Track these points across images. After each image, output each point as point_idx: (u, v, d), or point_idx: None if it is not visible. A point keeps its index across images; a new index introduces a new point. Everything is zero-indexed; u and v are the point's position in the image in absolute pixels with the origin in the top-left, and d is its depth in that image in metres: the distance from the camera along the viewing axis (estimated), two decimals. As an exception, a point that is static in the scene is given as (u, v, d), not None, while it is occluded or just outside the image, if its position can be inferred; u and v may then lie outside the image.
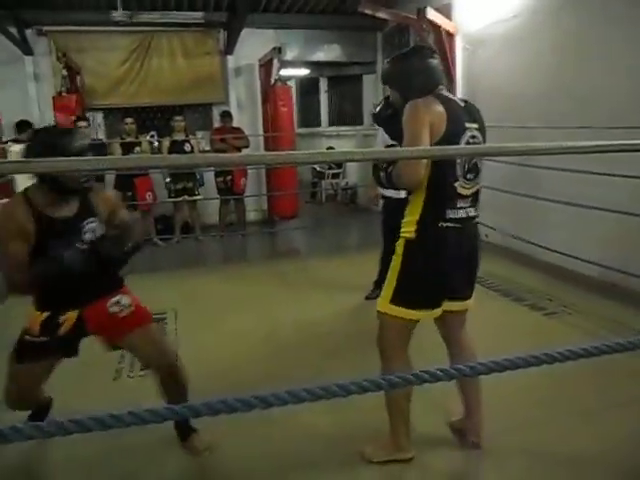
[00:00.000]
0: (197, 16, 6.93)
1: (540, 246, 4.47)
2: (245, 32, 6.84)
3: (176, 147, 6.01)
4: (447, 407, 2.40)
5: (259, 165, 6.37)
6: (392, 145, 2.24)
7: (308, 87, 10.07)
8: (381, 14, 6.13)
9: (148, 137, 6.84)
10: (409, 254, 1.95)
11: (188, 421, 2.22)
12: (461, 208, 1.91)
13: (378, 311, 2.03)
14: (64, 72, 6.21)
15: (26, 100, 6.67)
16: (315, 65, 8.75)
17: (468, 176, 1.91)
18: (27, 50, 6.66)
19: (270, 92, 6.74)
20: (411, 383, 0.89)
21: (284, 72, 7.34)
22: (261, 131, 7.37)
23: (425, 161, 1.81)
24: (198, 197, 6.34)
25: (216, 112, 7.37)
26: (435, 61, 2.04)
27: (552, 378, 2.49)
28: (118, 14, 5.89)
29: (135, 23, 6.48)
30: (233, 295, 4.30)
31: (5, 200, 2.00)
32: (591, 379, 2.58)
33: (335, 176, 9.28)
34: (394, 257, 2.00)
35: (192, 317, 3.82)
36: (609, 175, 3.55)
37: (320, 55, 7.98)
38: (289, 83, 7.59)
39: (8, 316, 3.94)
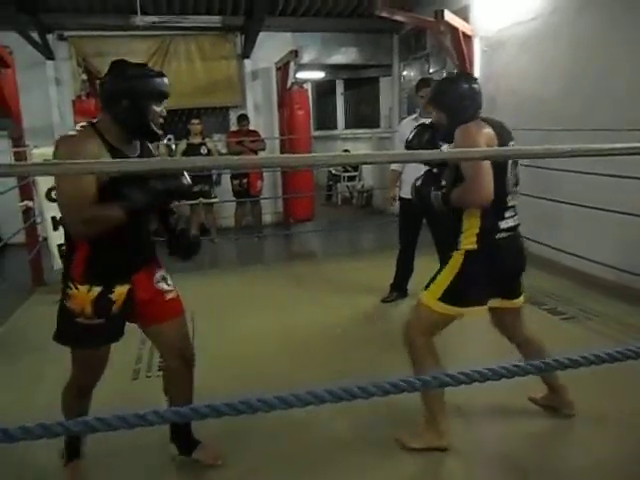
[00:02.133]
0: (215, 20, 7.00)
1: (558, 249, 4.42)
2: (262, 35, 6.88)
3: (193, 150, 6.06)
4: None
5: (278, 168, 6.40)
6: (431, 171, 2.32)
7: (324, 90, 10.09)
8: (398, 17, 6.13)
9: (165, 140, 6.91)
10: (469, 263, 2.07)
11: (191, 433, 2.16)
12: (510, 218, 2.11)
13: (421, 303, 2.14)
14: (84, 76, 6.31)
15: (47, 104, 6.79)
16: (331, 68, 8.77)
17: (514, 189, 2.11)
18: (48, 55, 6.77)
19: (287, 95, 6.77)
20: (444, 384, 0.89)
21: (300, 75, 7.38)
22: (277, 134, 7.41)
23: (492, 176, 1.95)
24: (214, 200, 6.39)
25: (233, 115, 7.43)
26: (478, 87, 2.18)
27: (568, 383, 2.46)
28: (137, 19, 5.97)
29: (154, 27, 6.57)
30: (249, 297, 4.32)
31: (73, 132, 1.76)
32: (607, 384, 2.55)
33: (351, 179, 9.28)
34: (451, 262, 2.12)
35: (208, 319, 3.84)
36: (626, 178, 3.50)
37: (337, 58, 7.99)
38: (305, 86, 7.61)
39: (29, 316, 4.01)
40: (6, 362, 3.19)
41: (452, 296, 2.07)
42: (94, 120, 1.80)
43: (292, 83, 6.69)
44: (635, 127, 3.30)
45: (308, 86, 8.42)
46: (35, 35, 6.41)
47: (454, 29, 5.28)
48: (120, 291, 1.83)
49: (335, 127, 10.29)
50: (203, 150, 6.14)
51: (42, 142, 5.53)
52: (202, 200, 6.26)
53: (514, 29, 5.12)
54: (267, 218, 7.36)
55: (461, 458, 2.16)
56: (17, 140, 4.56)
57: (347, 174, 9.23)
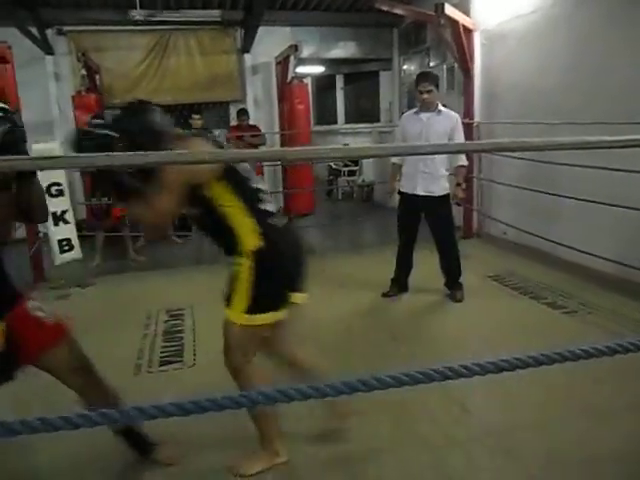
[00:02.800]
0: (214, 14, 6.97)
1: (557, 243, 4.42)
2: (262, 30, 6.87)
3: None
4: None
5: (277, 161, 6.40)
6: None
7: (324, 84, 10.06)
8: (398, 10, 6.11)
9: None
10: (262, 261, 1.88)
11: (145, 436, 2.09)
12: (268, 203, 1.95)
13: (229, 323, 1.95)
14: (83, 71, 6.29)
15: (47, 99, 6.77)
16: (331, 62, 8.75)
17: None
18: (48, 50, 6.75)
19: (287, 90, 6.76)
20: (447, 377, 0.89)
21: (300, 69, 7.36)
22: (277, 129, 7.40)
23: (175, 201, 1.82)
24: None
25: (233, 110, 7.41)
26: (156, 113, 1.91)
27: (567, 377, 2.47)
28: (136, 13, 5.95)
29: (153, 22, 6.55)
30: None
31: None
32: (605, 379, 2.56)
33: (351, 173, 9.27)
34: (241, 270, 1.90)
35: (209, 313, 3.83)
36: (626, 171, 3.50)
37: (336, 52, 7.98)
38: (305, 80, 7.60)
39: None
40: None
41: (259, 304, 1.90)
42: None
43: (292, 77, 6.68)
44: (634, 120, 3.31)
45: (308, 80, 8.39)
46: (34, 30, 6.39)
47: (454, 22, 5.26)
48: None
49: (335, 122, 10.26)
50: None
51: (42, 137, 5.54)
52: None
53: (514, 22, 5.11)
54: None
55: (465, 453, 2.17)
56: (16, 136, 4.54)
57: (347, 169, 9.22)
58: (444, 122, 3.74)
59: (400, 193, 3.95)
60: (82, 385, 1.89)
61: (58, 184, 4.53)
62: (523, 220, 5.00)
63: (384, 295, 4.04)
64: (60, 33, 6.85)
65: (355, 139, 9.24)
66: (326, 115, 10.34)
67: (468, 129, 5.65)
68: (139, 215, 1.92)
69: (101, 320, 3.60)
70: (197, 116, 6.22)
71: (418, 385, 0.91)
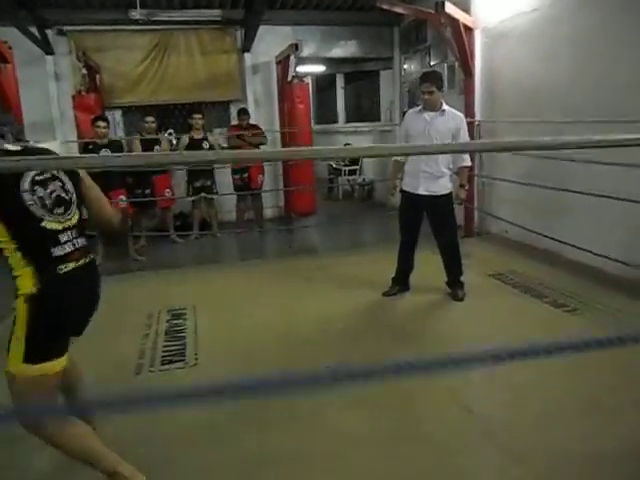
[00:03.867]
0: (214, 14, 6.96)
1: (560, 241, 4.41)
2: (262, 29, 6.85)
3: (195, 145, 6.05)
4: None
5: (279, 162, 6.40)
6: None
7: (325, 83, 10.05)
8: (398, 9, 6.10)
9: (166, 135, 6.90)
10: (36, 309, 1.74)
11: None
12: (68, 242, 1.82)
13: (9, 374, 1.76)
14: (84, 71, 6.28)
15: (47, 99, 6.77)
16: (332, 61, 8.73)
17: (57, 211, 1.80)
18: (48, 50, 6.74)
19: (287, 89, 6.74)
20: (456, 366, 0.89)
21: (301, 69, 7.34)
22: (278, 128, 7.38)
23: None
24: (216, 195, 6.38)
25: (234, 109, 7.40)
26: None
27: (567, 375, 2.47)
28: (136, 13, 5.94)
29: (153, 22, 6.55)
30: (251, 291, 4.32)
31: None
32: (607, 375, 2.56)
33: (352, 172, 9.26)
34: (17, 315, 1.75)
35: (210, 312, 3.85)
36: (629, 166, 3.49)
37: (337, 51, 7.95)
38: (306, 80, 7.58)
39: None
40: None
41: (37, 352, 1.74)
42: None
43: (292, 77, 6.66)
44: (637, 118, 3.29)
45: (308, 80, 8.38)
46: (34, 30, 6.38)
47: (454, 21, 5.25)
48: None
49: (336, 121, 10.25)
50: (205, 145, 6.12)
51: (42, 137, 5.54)
52: (204, 195, 6.25)
53: (515, 20, 5.10)
54: (268, 212, 7.36)
55: (469, 452, 2.17)
56: (17, 135, 4.53)
57: (348, 168, 9.21)
58: (448, 122, 3.70)
59: (402, 192, 3.93)
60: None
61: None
62: (524, 218, 4.99)
63: (385, 294, 4.03)
64: (60, 33, 6.84)
65: (356, 138, 9.24)
66: (327, 114, 10.34)
67: (469, 128, 5.64)
68: None
69: (103, 319, 3.58)
70: (198, 115, 6.21)
71: (419, 382, 0.90)
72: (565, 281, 4.09)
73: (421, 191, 3.77)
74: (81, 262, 1.86)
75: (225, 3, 6.91)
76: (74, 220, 1.87)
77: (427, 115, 3.73)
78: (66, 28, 6.82)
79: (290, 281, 4.52)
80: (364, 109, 9.35)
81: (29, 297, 1.73)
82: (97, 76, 6.78)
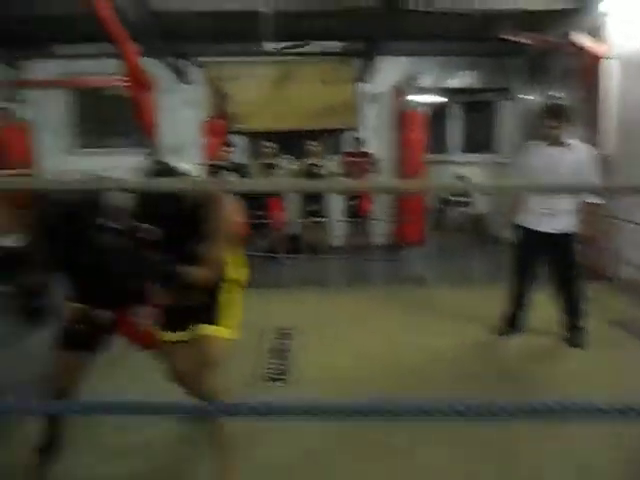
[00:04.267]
0: (336, 46, 7.22)
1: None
2: (380, 60, 6.99)
3: (311, 170, 6.27)
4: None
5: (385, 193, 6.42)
6: None
7: (441, 113, 9.95)
8: (523, 39, 5.94)
9: (285, 161, 7.22)
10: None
11: None
12: None
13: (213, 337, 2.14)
14: (215, 99, 6.78)
15: (180, 124, 7.37)
16: (449, 91, 8.65)
17: None
18: (184, 79, 7.38)
19: (402, 118, 6.79)
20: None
21: (417, 98, 7.36)
22: (392, 157, 7.43)
23: None
24: (326, 219, 6.53)
25: (349, 137, 7.57)
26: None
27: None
28: (267, 46, 6.32)
29: (279, 53, 6.93)
30: (356, 317, 4.33)
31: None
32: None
33: (462, 203, 9.03)
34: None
35: (316, 335, 3.91)
36: None
37: (454, 82, 7.88)
38: (421, 110, 7.58)
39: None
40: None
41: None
42: None
43: (408, 107, 6.70)
44: None
45: (424, 110, 8.37)
46: (175, 61, 7.03)
47: (584, 50, 5.01)
48: (103, 311, 2.14)
49: (450, 151, 10.10)
50: (322, 171, 6.32)
51: (175, 159, 6.03)
52: (315, 219, 6.43)
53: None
54: (378, 240, 7.37)
55: None
56: (154, 156, 5.00)
57: (458, 198, 9.00)
58: (574, 156, 3.47)
59: (520, 227, 3.71)
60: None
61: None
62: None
63: (497, 333, 3.85)
64: (196, 64, 7.47)
65: (471, 169, 9.01)
66: (441, 144, 10.21)
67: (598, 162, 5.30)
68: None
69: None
70: (315, 143, 6.42)
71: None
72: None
73: (542, 228, 3.55)
74: None
75: (346, 35, 7.15)
76: None
77: (552, 150, 3.52)
78: (202, 59, 7.43)
79: (396, 309, 4.48)
80: (480, 140, 9.12)
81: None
82: (226, 104, 7.28)
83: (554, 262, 3.66)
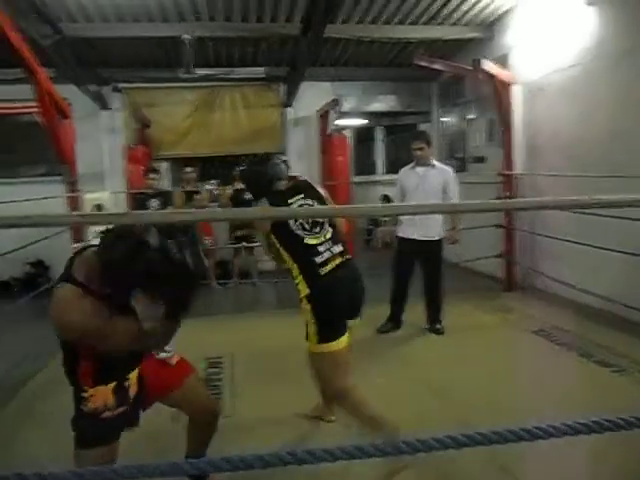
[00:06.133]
0: (259, 71, 7.29)
1: (607, 299, 4.27)
2: (304, 85, 7.12)
3: (238, 196, 6.22)
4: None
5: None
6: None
7: (364, 136, 10.26)
8: (437, 66, 6.25)
9: (207, 186, 7.14)
10: (313, 305, 2.32)
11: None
12: (325, 251, 2.35)
13: (311, 353, 2.39)
14: (135, 125, 6.63)
15: (99, 151, 7.14)
16: (371, 115, 8.96)
17: (314, 230, 2.38)
18: (103, 105, 7.17)
19: (327, 142, 6.93)
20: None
21: (341, 122, 7.55)
22: (319, 179, 7.54)
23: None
24: (257, 244, 6.49)
25: (275, 161, 7.61)
26: (272, 163, 2.59)
27: (623, 445, 2.34)
28: (186, 72, 6.28)
29: (202, 79, 6.90)
30: (289, 340, 4.30)
31: (60, 297, 1.55)
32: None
33: (392, 222, 9.27)
34: (304, 311, 2.36)
35: (249, 362, 3.85)
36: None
37: (376, 105, 8.17)
38: (345, 132, 7.78)
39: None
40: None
41: (325, 335, 2.31)
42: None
43: (332, 130, 6.85)
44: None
45: (348, 133, 8.59)
46: (92, 87, 6.82)
47: (492, 77, 5.35)
48: (132, 375, 1.84)
49: (374, 172, 10.40)
50: (247, 196, 6.28)
51: (93, 188, 5.83)
52: (244, 244, 6.38)
53: (554, 76, 5.15)
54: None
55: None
56: (72, 185, 4.80)
57: (387, 218, 9.24)
58: (438, 176, 4.15)
59: (399, 237, 4.34)
60: (204, 422, 2.12)
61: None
62: (569, 273, 4.88)
63: (379, 331, 4.38)
64: (115, 90, 7.28)
65: (394, 189, 9.30)
66: (366, 166, 10.50)
67: (508, 181, 5.64)
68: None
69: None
70: (240, 168, 6.39)
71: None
72: (614, 340, 3.92)
73: (415, 236, 4.17)
74: (337, 262, 2.36)
75: (269, 61, 7.24)
76: (327, 235, 2.40)
77: (419, 170, 4.20)
78: (121, 85, 7.26)
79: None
80: (402, 161, 9.45)
81: (307, 297, 2.33)
82: (146, 130, 7.14)
83: (425, 263, 4.29)
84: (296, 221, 2.38)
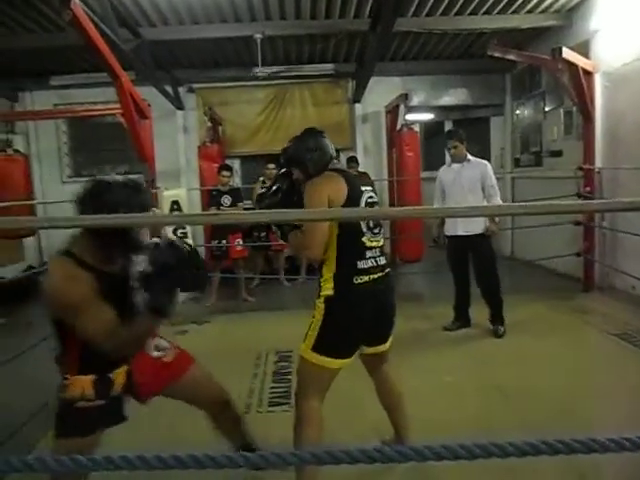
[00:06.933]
0: (327, 68, 7.34)
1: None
2: (372, 80, 7.08)
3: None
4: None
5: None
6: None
7: (433, 131, 10.07)
8: (512, 56, 6.04)
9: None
10: (330, 310, 2.06)
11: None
12: (371, 258, 2.11)
13: (300, 355, 2.14)
14: (209, 124, 6.86)
15: (175, 150, 7.45)
16: (441, 109, 8.77)
17: (374, 230, 2.13)
18: (179, 105, 7.48)
19: (396, 137, 6.86)
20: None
21: (409, 117, 7.45)
22: (386, 175, 7.50)
23: (325, 233, 2.05)
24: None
25: (343, 158, 7.64)
26: (326, 140, 2.26)
27: None
28: (259, 70, 6.42)
29: (272, 77, 7.04)
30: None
31: (52, 267, 1.70)
32: None
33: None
34: (316, 310, 2.10)
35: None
36: None
37: (446, 99, 8.01)
38: (414, 128, 7.67)
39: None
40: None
41: (323, 346, 2.05)
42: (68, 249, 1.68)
43: (401, 125, 6.77)
44: None
45: (417, 128, 8.47)
46: (169, 88, 7.12)
47: (573, 66, 5.09)
48: (118, 372, 1.80)
49: (443, 167, 10.19)
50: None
51: (170, 184, 6.09)
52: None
53: (639, 63, 4.83)
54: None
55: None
56: (151, 183, 5.04)
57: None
58: (474, 169, 4.20)
59: (447, 236, 4.35)
60: (217, 413, 2.14)
61: (182, 227, 4.93)
62: None
63: (445, 329, 4.36)
64: (190, 90, 7.58)
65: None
66: (435, 161, 10.30)
67: (589, 175, 5.36)
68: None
69: (215, 356, 3.75)
70: (272, 165, 6.40)
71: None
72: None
73: (460, 232, 4.17)
74: (377, 275, 2.12)
75: (338, 58, 7.27)
76: (381, 242, 2.18)
77: (455, 166, 4.27)
78: (195, 86, 7.54)
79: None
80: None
81: (327, 298, 2.07)
82: (220, 128, 7.36)
83: (474, 260, 4.27)
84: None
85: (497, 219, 4.24)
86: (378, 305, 2.14)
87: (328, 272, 2.09)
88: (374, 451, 0.79)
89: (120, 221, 1.24)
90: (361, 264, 2.08)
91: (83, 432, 1.72)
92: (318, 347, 2.05)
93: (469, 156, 4.29)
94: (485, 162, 4.30)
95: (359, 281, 2.07)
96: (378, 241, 2.16)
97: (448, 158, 4.40)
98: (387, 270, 2.19)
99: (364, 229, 2.11)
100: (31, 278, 5.12)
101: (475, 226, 4.12)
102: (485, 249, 4.22)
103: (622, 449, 0.85)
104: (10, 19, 5.37)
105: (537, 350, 3.79)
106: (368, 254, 2.10)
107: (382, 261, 2.16)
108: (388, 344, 2.26)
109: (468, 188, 4.15)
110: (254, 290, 6.10)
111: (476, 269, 4.29)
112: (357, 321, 2.08)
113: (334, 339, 2.06)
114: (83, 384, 1.72)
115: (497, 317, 4.20)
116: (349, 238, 2.08)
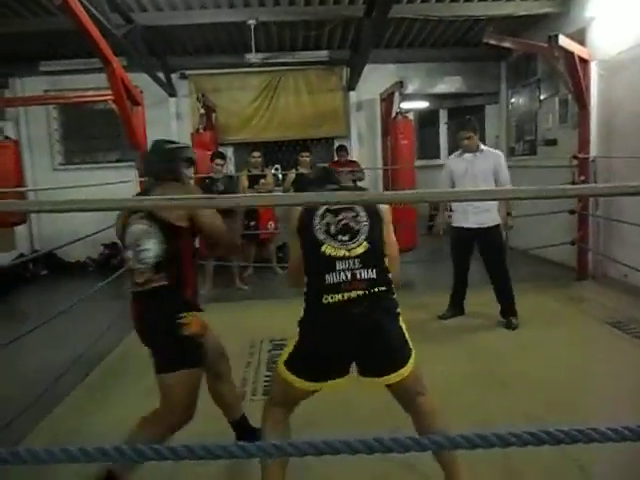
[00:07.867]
0: (322, 55, 7.27)
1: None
2: (367, 68, 7.03)
3: (301, 180, 6.25)
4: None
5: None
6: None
7: (427, 119, 10.02)
8: (507, 44, 6.00)
9: (272, 170, 7.21)
10: (300, 329, 1.91)
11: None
12: (342, 270, 1.80)
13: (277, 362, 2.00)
14: (202, 111, 6.78)
15: (168, 137, 7.34)
16: (435, 97, 8.72)
17: (342, 237, 1.84)
18: (171, 92, 7.39)
19: (391, 125, 6.82)
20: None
21: (404, 105, 7.41)
22: (381, 164, 7.46)
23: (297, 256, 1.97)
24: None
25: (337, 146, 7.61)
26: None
27: None
28: (252, 57, 6.35)
29: (266, 64, 6.96)
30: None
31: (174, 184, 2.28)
32: None
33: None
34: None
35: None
36: None
37: (441, 87, 7.96)
38: (409, 116, 7.63)
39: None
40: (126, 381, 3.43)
41: (292, 364, 1.87)
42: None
43: (396, 113, 6.73)
44: None
45: (411, 116, 8.42)
46: (161, 75, 7.03)
47: (569, 54, 5.06)
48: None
49: (438, 156, 10.16)
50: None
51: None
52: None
53: (635, 51, 4.81)
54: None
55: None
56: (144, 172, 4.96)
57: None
58: (488, 160, 4.06)
59: (453, 227, 4.25)
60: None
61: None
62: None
63: (440, 317, 4.33)
64: (183, 77, 7.49)
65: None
66: (429, 149, 10.29)
67: (584, 164, 5.36)
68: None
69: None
70: (306, 154, 6.38)
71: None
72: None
73: (471, 225, 4.06)
74: (358, 293, 1.78)
75: (332, 44, 7.19)
76: (359, 250, 1.83)
77: (467, 156, 4.10)
78: (188, 72, 7.45)
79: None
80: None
81: (299, 321, 1.91)
82: (213, 115, 7.29)
83: (485, 253, 4.18)
84: (323, 218, 1.86)
85: (512, 212, 4.17)
86: (361, 331, 1.79)
87: (304, 290, 1.91)
88: (373, 441, 0.78)
89: (108, 205, 1.21)
90: (330, 278, 1.79)
91: (203, 361, 2.10)
92: (288, 364, 1.88)
93: (482, 146, 4.16)
94: (499, 153, 4.19)
95: (329, 300, 1.78)
96: (350, 250, 1.82)
97: (444, 145, 4.36)
98: (381, 288, 1.83)
99: (320, 236, 1.84)
100: (22, 266, 5.07)
101: (487, 218, 4.04)
102: (497, 243, 4.14)
103: (623, 439, 0.84)
104: (-2, 3, 5.26)
105: (533, 339, 3.80)
106: (339, 265, 1.79)
107: (365, 274, 1.80)
108: (404, 373, 1.83)
109: (481, 178, 3.99)
110: (248, 278, 6.07)
111: (487, 263, 4.19)
112: (325, 348, 1.81)
113: (302, 362, 1.86)
114: (200, 321, 2.09)
115: (510, 309, 4.10)
116: (308, 250, 1.88)
